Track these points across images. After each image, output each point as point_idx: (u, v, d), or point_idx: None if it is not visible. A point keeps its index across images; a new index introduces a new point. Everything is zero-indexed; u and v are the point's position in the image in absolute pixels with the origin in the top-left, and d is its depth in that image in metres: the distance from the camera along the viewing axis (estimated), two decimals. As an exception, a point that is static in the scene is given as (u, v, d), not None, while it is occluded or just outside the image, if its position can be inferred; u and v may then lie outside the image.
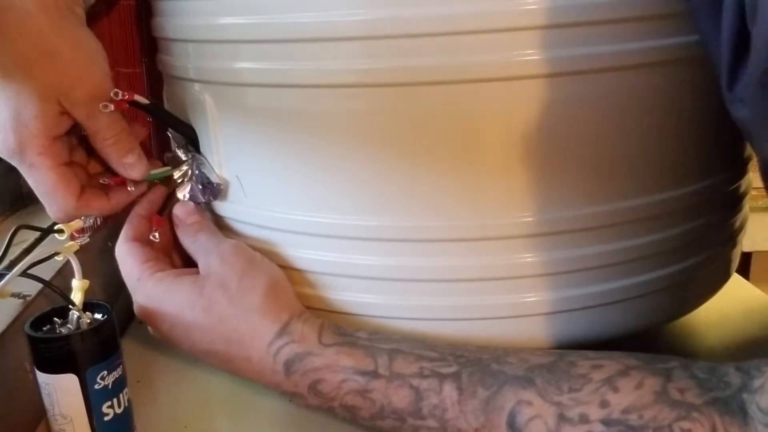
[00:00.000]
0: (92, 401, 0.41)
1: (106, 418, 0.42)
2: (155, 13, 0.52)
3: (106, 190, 0.48)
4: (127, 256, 0.50)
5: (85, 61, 0.44)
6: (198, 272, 0.49)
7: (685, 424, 0.33)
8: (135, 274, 0.49)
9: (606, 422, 0.34)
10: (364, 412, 0.41)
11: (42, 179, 0.44)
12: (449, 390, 0.39)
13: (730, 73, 0.30)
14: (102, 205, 0.48)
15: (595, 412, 0.35)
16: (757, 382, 0.33)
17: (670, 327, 0.56)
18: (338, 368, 0.42)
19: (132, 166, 0.47)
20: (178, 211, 0.52)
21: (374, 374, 0.41)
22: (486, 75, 0.41)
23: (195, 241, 0.51)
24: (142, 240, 0.51)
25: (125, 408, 0.43)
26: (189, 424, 0.48)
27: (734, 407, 0.33)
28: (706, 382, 0.35)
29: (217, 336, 0.45)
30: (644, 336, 0.50)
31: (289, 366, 0.43)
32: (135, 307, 0.50)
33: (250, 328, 0.44)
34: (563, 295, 0.46)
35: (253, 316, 0.45)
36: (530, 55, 0.40)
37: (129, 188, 0.49)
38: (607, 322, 0.48)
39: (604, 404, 0.35)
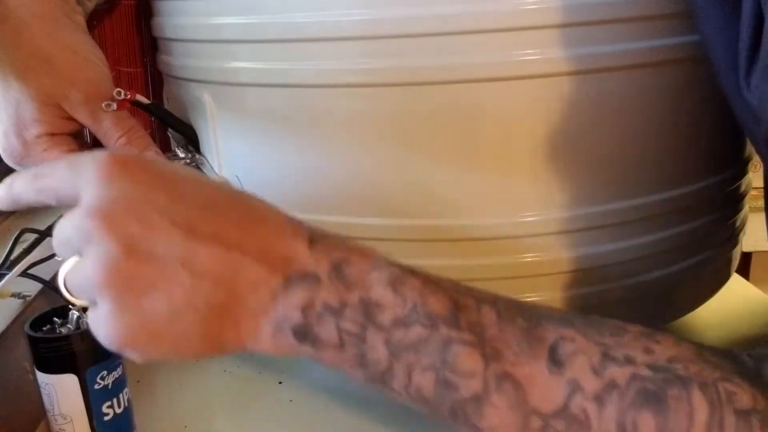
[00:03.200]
0: (92, 401, 0.41)
1: (106, 418, 0.42)
2: (155, 13, 0.52)
3: None
4: None
5: (81, 65, 0.45)
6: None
7: (729, 386, 0.32)
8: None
9: (652, 367, 0.32)
10: (387, 313, 0.32)
11: None
12: (488, 311, 0.33)
13: (748, 59, 0.31)
14: None
15: (640, 356, 0.33)
16: (766, 370, 0.34)
17: (670, 327, 0.56)
18: (370, 255, 0.33)
19: None
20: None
21: (411, 271, 0.33)
22: (486, 75, 0.41)
23: None
24: None
25: (125, 408, 0.43)
26: (189, 424, 0.48)
27: (763, 384, 0.33)
28: (730, 358, 0.34)
29: (239, 203, 0.33)
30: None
31: (314, 234, 0.32)
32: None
33: (255, 201, 0.34)
34: (564, 294, 0.46)
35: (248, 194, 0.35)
36: (530, 55, 0.40)
37: None
38: (608, 321, 0.48)
39: (648, 351, 0.33)
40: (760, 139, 0.32)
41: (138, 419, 0.46)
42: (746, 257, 1.23)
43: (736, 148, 0.51)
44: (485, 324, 0.33)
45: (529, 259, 0.45)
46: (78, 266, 0.31)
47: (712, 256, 0.51)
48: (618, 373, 0.32)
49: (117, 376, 0.42)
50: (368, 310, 0.32)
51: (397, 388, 0.33)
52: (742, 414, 0.31)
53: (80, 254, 0.31)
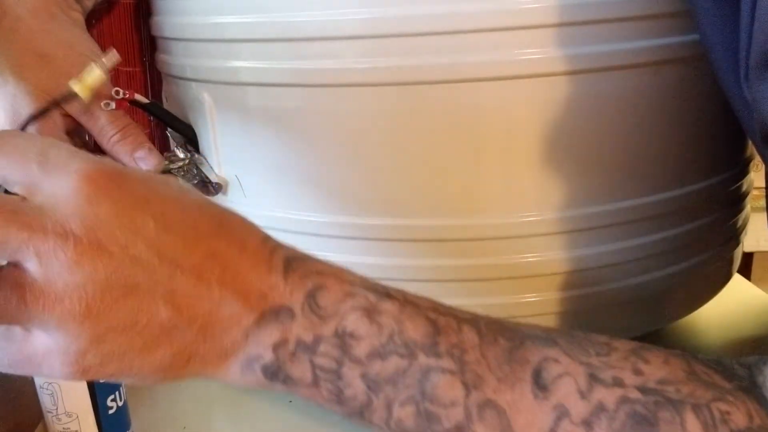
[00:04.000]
0: (98, 396, 0.41)
1: (110, 412, 0.42)
2: (155, 12, 0.52)
3: None
4: None
5: (78, 60, 0.44)
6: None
7: (723, 406, 0.30)
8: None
9: (642, 390, 0.31)
10: (363, 345, 0.30)
11: None
12: (468, 331, 0.32)
13: (746, 59, 0.31)
14: None
15: (629, 378, 0.31)
16: (759, 380, 0.33)
17: (671, 327, 0.56)
18: (344, 278, 0.32)
19: (143, 159, 0.47)
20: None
21: (387, 294, 0.32)
22: (487, 74, 0.41)
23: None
24: None
25: (124, 401, 0.43)
26: (188, 425, 0.48)
27: (757, 395, 0.32)
28: (723, 371, 0.33)
29: (221, 229, 0.31)
30: (646, 336, 0.50)
31: (289, 262, 0.31)
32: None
33: (236, 220, 0.32)
34: (564, 294, 0.46)
35: (225, 210, 0.33)
36: (532, 54, 0.40)
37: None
38: (608, 322, 0.48)
39: (637, 372, 0.31)
40: (759, 139, 0.32)
41: (138, 420, 0.46)
42: (747, 257, 1.23)
43: (737, 147, 0.51)
44: (466, 347, 0.31)
45: (529, 259, 0.45)
46: (34, 283, 0.27)
47: (713, 256, 0.51)
48: (606, 395, 0.31)
49: None
50: (344, 342, 0.30)
51: (377, 422, 0.31)
52: None
53: (22, 264, 0.27)
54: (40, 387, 0.41)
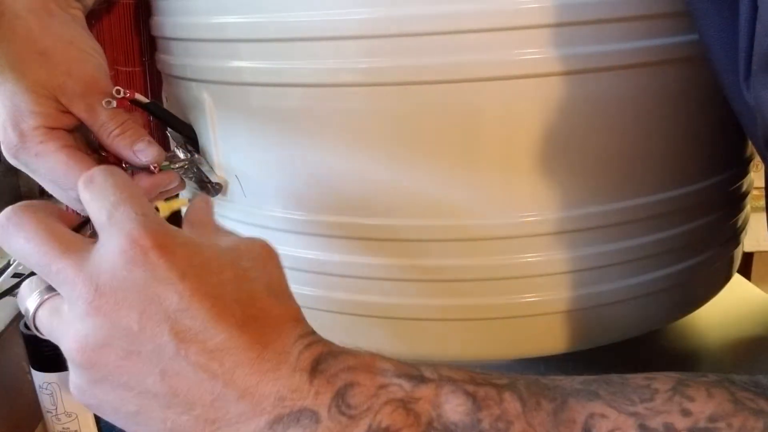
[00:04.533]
0: None
1: None
2: (154, 12, 0.52)
3: None
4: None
5: (78, 56, 0.44)
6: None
7: None
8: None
9: (694, 431, 0.30)
10: None
11: (52, 165, 0.44)
12: (510, 400, 0.30)
13: (746, 60, 0.30)
14: None
15: (679, 421, 0.30)
16: None
17: (671, 327, 0.56)
18: (377, 370, 0.30)
19: (143, 151, 0.46)
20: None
21: (421, 378, 0.30)
22: (487, 74, 0.41)
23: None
24: None
25: None
26: (188, 425, 0.48)
27: None
28: (763, 393, 0.32)
29: (251, 309, 0.31)
30: (646, 337, 0.50)
31: (317, 364, 0.30)
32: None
33: (274, 313, 0.32)
34: (564, 295, 0.46)
35: (277, 299, 0.33)
36: (531, 54, 0.40)
37: (152, 169, 0.46)
38: (608, 323, 0.48)
39: (685, 413, 0.30)
40: (762, 141, 0.32)
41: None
42: (748, 257, 1.23)
43: (737, 147, 0.51)
44: (510, 417, 0.30)
45: (529, 259, 0.45)
46: (57, 321, 0.31)
47: (713, 256, 0.51)
48: None
49: None
50: None
51: None
52: None
53: (56, 303, 0.31)
54: (40, 387, 0.41)
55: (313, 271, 0.48)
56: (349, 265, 0.47)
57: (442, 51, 0.40)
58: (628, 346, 0.47)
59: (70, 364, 0.30)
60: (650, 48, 0.42)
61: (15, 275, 0.41)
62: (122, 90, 0.45)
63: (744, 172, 0.52)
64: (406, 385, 0.30)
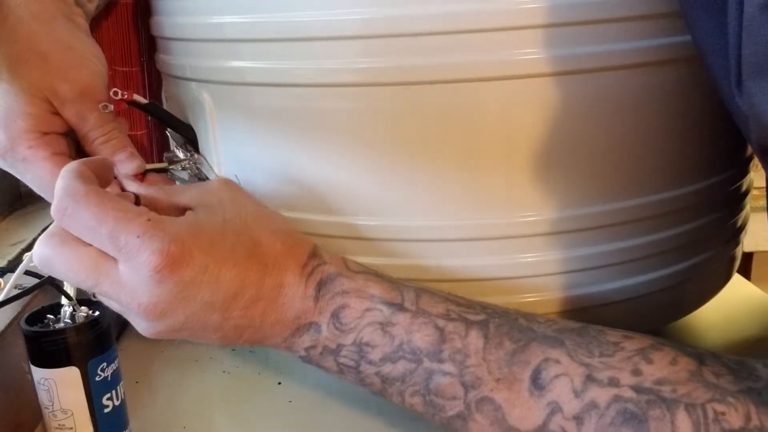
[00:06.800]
0: (93, 393, 0.41)
1: (106, 411, 0.42)
2: (154, 12, 0.52)
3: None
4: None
5: (76, 61, 0.45)
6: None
7: (719, 407, 0.32)
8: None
9: (636, 389, 0.33)
10: (377, 352, 0.38)
11: (38, 172, 0.44)
12: (475, 336, 0.37)
13: (737, 66, 0.30)
14: None
15: (626, 378, 0.34)
16: None
17: (671, 327, 0.56)
18: (365, 295, 0.39)
19: (122, 162, 0.46)
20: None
21: (400, 307, 0.38)
22: (486, 74, 0.41)
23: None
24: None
25: (122, 401, 0.43)
26: (188, 425, 0.48)
27: (767, 400, 0.33)
28: (739, 372, 0.34)
29: (252, 263, 0.38)
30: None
31: (320, 287, 0.39)
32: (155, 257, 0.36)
33: (286, 246, 0.40)
34: (564, 295, 0.46)
35: (285, 235, 0.41)
36: (530, 54, 0.40)
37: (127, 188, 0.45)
38: (608, 322, 0.47)
39: (636, 372, 0.34)
40: (756, 146, 0.32)
41: (137, 420, 0.46)
42: (747, 257, 1.23)
43: (737, 147, 0.51)
44: (469, 352, 0.37)
45: (528, 259, 0.45)
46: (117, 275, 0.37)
47: (713, 256, 0.51)
48: (599, 394, 0.34)
49: (115, 368, 0.42)
50: (361, 349, 0.38)
51: (395, 402, 0.39)
52: None
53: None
54: (38, 383, 0.41)
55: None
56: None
57: (441, 51, 0.40)
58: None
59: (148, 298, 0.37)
60: (649, 48, 0.42)
61: (27, 273, 0.41)
62: (120, 92, 0.45)
63: (744, 172, 0.52)
64: (387, 311, 0.38)
